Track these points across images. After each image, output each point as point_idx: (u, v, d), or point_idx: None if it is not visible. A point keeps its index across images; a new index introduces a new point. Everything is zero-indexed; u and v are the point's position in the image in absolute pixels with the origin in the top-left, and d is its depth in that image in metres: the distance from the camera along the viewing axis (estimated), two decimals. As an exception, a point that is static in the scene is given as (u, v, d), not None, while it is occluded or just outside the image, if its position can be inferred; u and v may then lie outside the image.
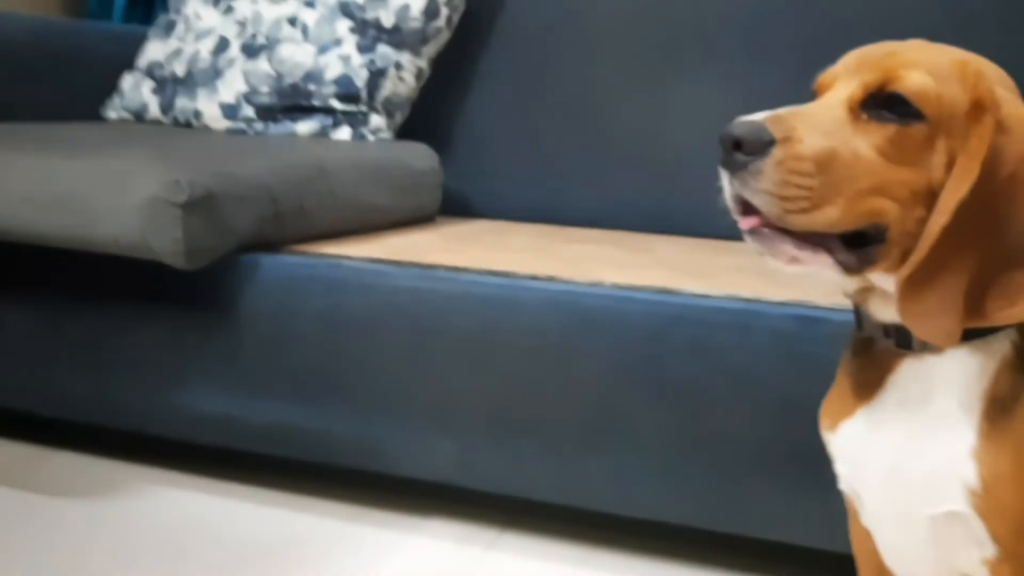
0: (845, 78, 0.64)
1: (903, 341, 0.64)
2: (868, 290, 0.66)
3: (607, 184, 1.71)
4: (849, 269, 0.62)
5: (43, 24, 1.79)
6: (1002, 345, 0.62)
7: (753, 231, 0.62)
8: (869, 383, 0.66)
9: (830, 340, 0.99)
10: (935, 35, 0.69)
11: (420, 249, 1.32)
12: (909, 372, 0.64)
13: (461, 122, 1.83)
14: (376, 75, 1.66)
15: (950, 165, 0.60)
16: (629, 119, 1.71)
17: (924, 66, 0.61)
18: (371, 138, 1.65)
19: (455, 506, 1.26)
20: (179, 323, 1.24)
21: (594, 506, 1.12)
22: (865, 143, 0.61)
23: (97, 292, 1.28)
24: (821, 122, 0.61)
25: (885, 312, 0.64)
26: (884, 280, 0.63)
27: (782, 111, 0.61)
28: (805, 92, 0.68)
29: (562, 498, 1.13)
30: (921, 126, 0.60)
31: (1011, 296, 0.59)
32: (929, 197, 0.60)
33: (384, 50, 1.67)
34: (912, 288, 0.60)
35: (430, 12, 1.69)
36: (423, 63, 1.73)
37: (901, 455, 0.64)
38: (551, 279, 1.14)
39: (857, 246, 0.62)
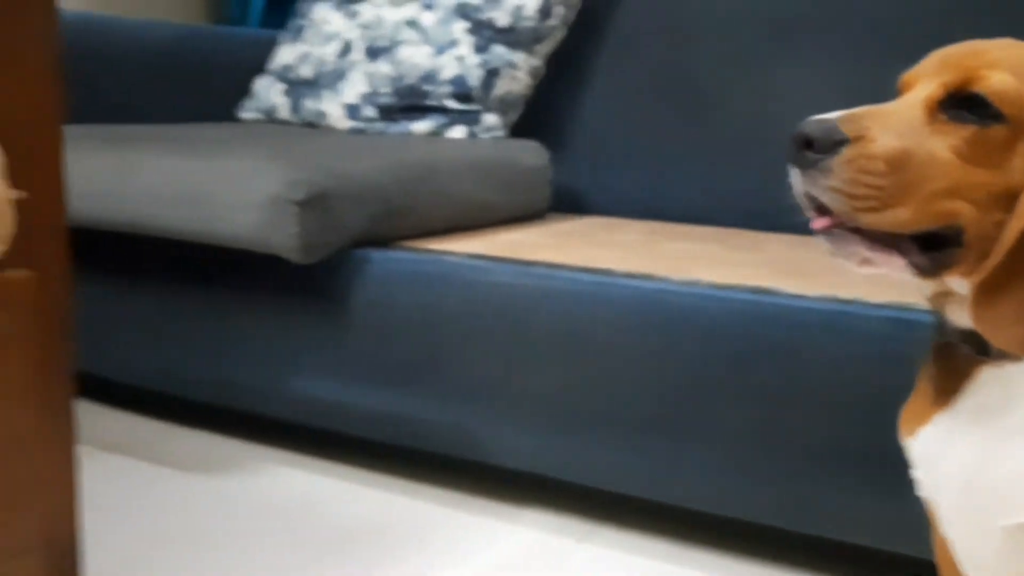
0: (927, 78, 0.63)
1: (981, 348, 0.63)
2: (946, 295, 0.65)
3: (720, 180, 1.70)
4: (923, 271, 0.61)
5: (185, 30, 1.92)
6: None
7: (825, 231, 0.62)
8: (947, 389, 0.65)
9: (925, 343, 0.97)
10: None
11: (523, 246, 1.35)
12: (987, 379, 0.63)
13: (575, 119, 1.85)
14: (490, 74, 1.70)
15: None
16: (742, 115, 1.69)
17: (1007, 66, 0.60)
18: (484, 136, 1.70)
19: (552, 497, 1.30)
20: (295, 313, 1.32)
21: (682, 503, 1.13)
22: (942, 144, 0.60)
23: (222, 283, 1.38)
24: (896, 122, 0.61)
25: (964, 318, 0.63)
26: (962, 285, 0.62)
27: (857, 110, 0.61)
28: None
29: (650, 494, 1.15)
30: (1001, 128, 0.59)
31: None
32: (1008, 200, 0.59)
33: (499, 50, 1.72)
34: (987, 294, 0.59)
35: (544, 11, 1.72)
36: (538, 61, 1.77)
37: (977, 464, 0.63)
38: (646, 277, 1.15)
39: (932, 248, 0.61)
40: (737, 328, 1.06)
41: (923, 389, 0.69)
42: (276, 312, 1.34)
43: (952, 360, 0.66)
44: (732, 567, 1.14)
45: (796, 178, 0.62)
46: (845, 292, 1.06)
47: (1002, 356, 0.62)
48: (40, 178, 0.87)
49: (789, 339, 1.05)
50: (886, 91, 0.67)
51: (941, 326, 0.67)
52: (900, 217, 0.59)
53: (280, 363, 1.34)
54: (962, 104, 0.60)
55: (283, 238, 1.19)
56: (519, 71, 1.74)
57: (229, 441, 1.47)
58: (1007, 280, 0.58)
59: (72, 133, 1.49)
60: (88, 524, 1.18)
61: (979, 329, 0.60)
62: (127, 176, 1.30)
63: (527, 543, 1.18)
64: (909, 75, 0.65)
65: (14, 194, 0.77)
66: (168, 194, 1.26)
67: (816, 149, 0.60)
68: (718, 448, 1.08)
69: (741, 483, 1.09)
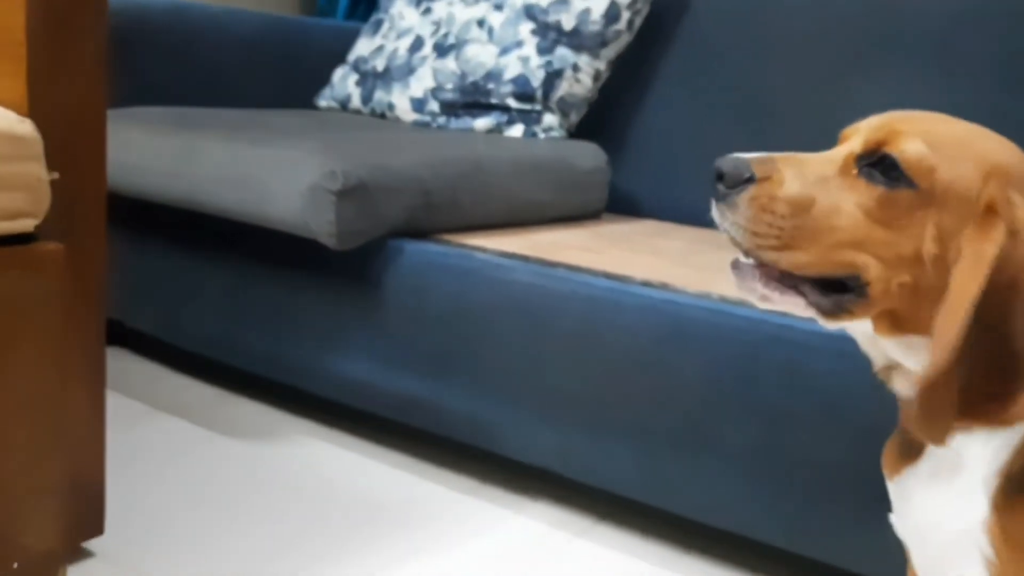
0: (859, 134, 0.65)
1: None
2: (891, 368, 0.67)
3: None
4: (824, 312, 0.64)
5: (273, 20, 2.03)
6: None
7: (734, 264, 0.66)
8: (913, 447, 0.67)
9: (922, 376, 0.96)
10: None
11: (560, 247, 1.39)
12: (938, 449, 0.64)
13: (638, 122, 1.87)
14: (552, 76, 1.74)
15: (941, 240, 0.60)
16: (803, 125, 1.68)
17: (932, 137, 0.61)
18: (542, 136, 1.74)
19: (556, 492, 1.34)
20: (336, 296, 1.39)
21: (678, 511, 1.15)
22: (850, 198, 0.62)
23: (274, 263, 1.46)
24: (809, 170, 0.63)
25: (909, 390, 0.65)
26: (904, 356, 0.64)
27: (776, 154, 0.64)
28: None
29: (649, 498, 1.17)
30: (908, 192, 0.60)
31: (1003, 399, 0.58)
32: (916, 265, 0.61)
33: (562, 52, 1.75)
34: (931, 391, 0.59)
35: (611, 16, 1.75)
36: (601, 65, 1.79)
37: (929, 523, 0.66)
38: (661, 286, 1.17)
39: (835, 291, 0.63)
40: (741, 345, 1.08)
41: (897, 437, 0.71)
42: (320, 294, 1.42)
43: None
44: (725, 578, 1.16)
45: (713, 209, 0.65)
46: (854, 316, 1.06)
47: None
48: (82, 160, 0.96)
49: (795, 359, 1.05)
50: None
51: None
52: (799, 259, 0.62)
53: (320, 342, 1.42)
54: (876, 164, 0.62)
55: (321, 224, 1.27)
56: (582, 74, 1.77)
57: (274, 411, 1.56)
58: (943, 379, 0.58)
59: (149, 115, 1.61)
60: (133, 477, 1.29)
61: (915, 431, 0.62)
62: (189, 157, 1.40)
63: (526, 533, 1.23)
64: (848, 130, 0.67)
65: (50, 175, 0.86)
66: (227, 177, 1.35)
67: (726, 183, 0.63)
68: (719, 461, 1.10)
69: (739, 497, 1.10)
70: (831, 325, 0.66)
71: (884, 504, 1.00)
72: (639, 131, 1.87)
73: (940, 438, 0.60)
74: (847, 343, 1.04)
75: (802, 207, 0.62)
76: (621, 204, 1.84)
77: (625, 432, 1.16)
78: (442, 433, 1.34)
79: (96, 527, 1.07)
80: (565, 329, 1.20)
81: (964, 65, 1.54)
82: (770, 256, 0.62)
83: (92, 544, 1.10)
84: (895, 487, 0.70)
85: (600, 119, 1.87)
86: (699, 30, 1.84)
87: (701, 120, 1.80)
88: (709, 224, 1.91)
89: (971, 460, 0.63)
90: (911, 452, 0.67)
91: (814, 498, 1.05)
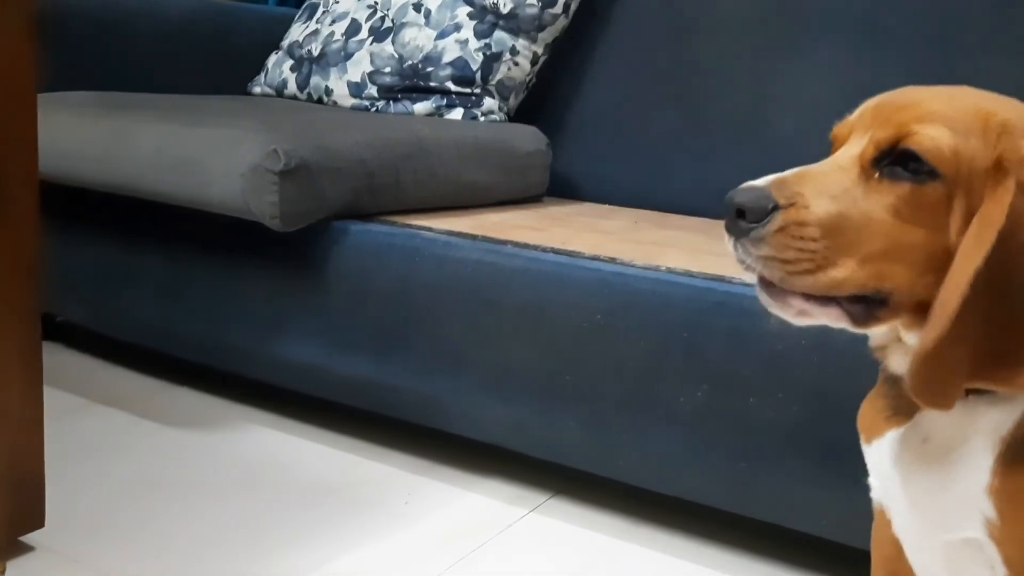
0: (859, 131, 0.61)
1: None
2: (886, 347, 0.65)
3: (713, 173, 1.72)
4: (857, 321, 0.60)
5: (203, 5, 1.98)
6: None
7: (762, 283, 0.62)
8: (900, 409, 0.65)
9: (865, 336, 0.99)
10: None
11: (506, 226, 1.39)
12: (937, 415, 0.63)
13: (576, 106, 1.88)
14: (490, 59, 1.74)
15: (967, 225, 0.57)
16: (738, 110, 1.71)
17: (941, 119, 0.58)
18: (482, 119, 1.73)
19: (512, 468, 1.34)
20: (279, 279, 1.37)
21: (630, 481, 1.16)
22: (878, 204, 0.59)
23: (212, 247, 1.43)
24: (829, 184, 0.59)
25: (906, 364, 0.62)
26: (903, 333, 0.62)
27: (788, 174, 0.60)
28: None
29: (601, 470, 1.18)
30: (937, 184, 0.57)
31: (1016, 364, 0.56)
32: (945, 260, 0.57)
33: (500, 35, 1.75)
34: (926, 362, 0.57)
35: (547, -1, 1.75)
36: (539, 48, 1.80)
37: (923, 489, 0.64)
38: (610, 260, 1.18)
39: (862, 301, 0.60)
40: (688, 313, 1.09)
41: (878, 398, 0.68)
42: (262, 278, 1.39)
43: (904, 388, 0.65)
44: (683, 548, 1.17)
45: (729, 245, 0.61)
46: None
47: None
48: (12, 138, 0.93)
49: (740, 324, 1.07)
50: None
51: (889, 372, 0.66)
52: (835, 278, 0.58)
53: (263, 327, 1.39)
54: (895, 161, 0.59)
55: (263, 206, 1.24)
56: (520, 57, 1.77)
57: (215, 399, 1.53)
58: (943, 349, 0.56)
59: (79, 99, 1.56)
60: (74, 471, 1.25)
61: (917, 399, 0.59)
62: (122, 141, 1.36)
63: (480, 509, 1.23)
64: (840, 127, 0.64)
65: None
66: (164, 160, 1.31)
67: (749, 219, 0.58)
68: (668, 428, 1.11)
69: (688, 463, 1.11)
70: (862, 331, 0.63)
71: (832, 463, 1.02)
72: (576, 114, 1.88)
73: (946, 404, 0.58)
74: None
75: (835, 226, 0.58)
76: (560, 187, 1.85)
77: (576, 405, 1.17)
78: (391, 414, 1.33)
79: (36, 520, 1.04)
80: (515, 305, 1.20)
81: (892, 41, 1.59)
82: (805, 281, 0.58)
83: (32, 537, 1.06)
84: (875, 450, 0.67)
85: (538, 103, 1.88)
86: (633, 12, 1.86)
87: (638, 102, 1.82)
88: (650, 205, 1.93)
89: (974, 426, 0.61)
90: (898, 415, 0.65)
91: (762, 460, 1.07)
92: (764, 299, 0.62)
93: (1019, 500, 0.59)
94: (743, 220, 0.59)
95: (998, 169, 0.56)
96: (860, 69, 1.61)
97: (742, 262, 0.60)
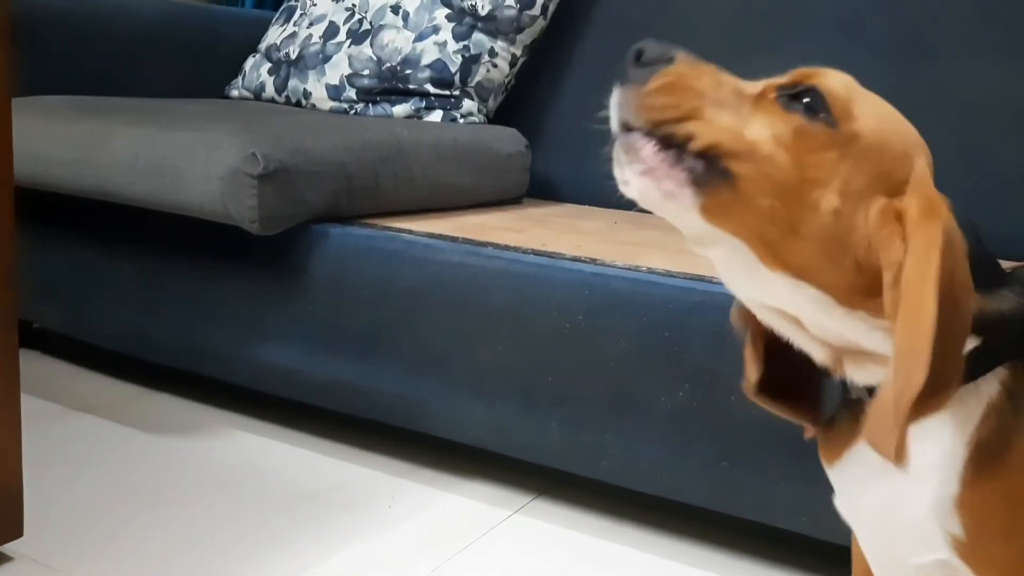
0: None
1: None
2: (840, 360, 0.62)
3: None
4: (697, 181, 0.56)
5: (179, 8, 1.97)
6: (989, 387, 0.58)
7: (616, 136, 0.60)
8: (852, 428, 0.63)
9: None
10: None
11: (486, 228, 1.39)
12: None
13: (555, 107, 1.89)
14: (469, 61, 1.74)
15: (846, 197, 0.56)
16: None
17: (872, 100, 0.59)
18: (462, 121, 1.73)
19: (494, 470, 1.34)
20: (257, 283, 1.36)
21: (612, 481, 1.17)
22: (761, 119, 0.58)
23: (191, 251, 1.42)
24: (727, 79, 0.60)
25: (863, 374, 0.60)
26: (865, 334, 0.59)
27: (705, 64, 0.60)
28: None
29: (583, 471, 1.18)
30: (825, 129, 0.57)
31: (939, 387, 0.53)
32: (797, 201, 0.56)
33: (479, 37, 1.75)
34: (909, 417, 0.52)
35: (525, 1, 1.76)
36: (518, 50, 1.80)
37: (884, 505, 0.61)
38: (590, 261, 1.18)
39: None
40: (669, 312, 1.10)
41: (836, 421, 0.67)
42: (240, 282, 1.38)
43: (855, 403, 0.63)
44: (667, 547, 1.18)
45: (614, 97, 0.59)
46: (777, 281, 1.09)
47: None
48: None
49: (719, 324, 1.07)
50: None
51: (845, 385, 0.63)
52: (699, 129, 0.57)
53: (242, 332, 1.39)
54: (797, 96, 0.58)
55: (242, 210, 1.24)
56: (499, 59, 1.77)
57: (194, 405, 1.52)
58: (923, 401, 0.52)
59: (53, 103, 1.54)
60: (51, 478, 1.24)
61: (880, 451, 0.54)
62: (98, 145, 1.35)
63: (463, 512, 1.22)
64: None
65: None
66: (135, 164, 1.30)
67: (643, 62, 0.58)
68: (649, 428, 1.12)
69: (669, 462, 1.12)
70: (694, 206, 0.58)
71: (813, 461, 1.03)
72: (555, 116, 1.89)
73: (902, 454, 0.53)
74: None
75: (712, 100, 0.57)
76: (540, 189, 1.85)
77: (558, 405, 1.17)
78: (372, 417, 1.33)
79: (14, 530, 1.03)
80: (496, 307, 1.20)
81: (870, 43, 1.60)
82: (668, 128, 0.57)
83: (10, 547, 1.05)
84: (837, 473, 0.65)
85: (517, 104, 1.88)
86: (611, 14, 1.86)
87: (617, 104, 1.82)
88: (627, 207, 1.94)
89: (931, 431, 0.58)
90: (850, 434, 0.63)
91: (743, 459, 1.07)
92: (618, 152, 0.59)
93: (988, 512, 0.57)
94: (637, 65, 0.58)
95: (929, 209, 0.54)
96: (841, 68, 1.62)
97: (617, 116, 0.59)
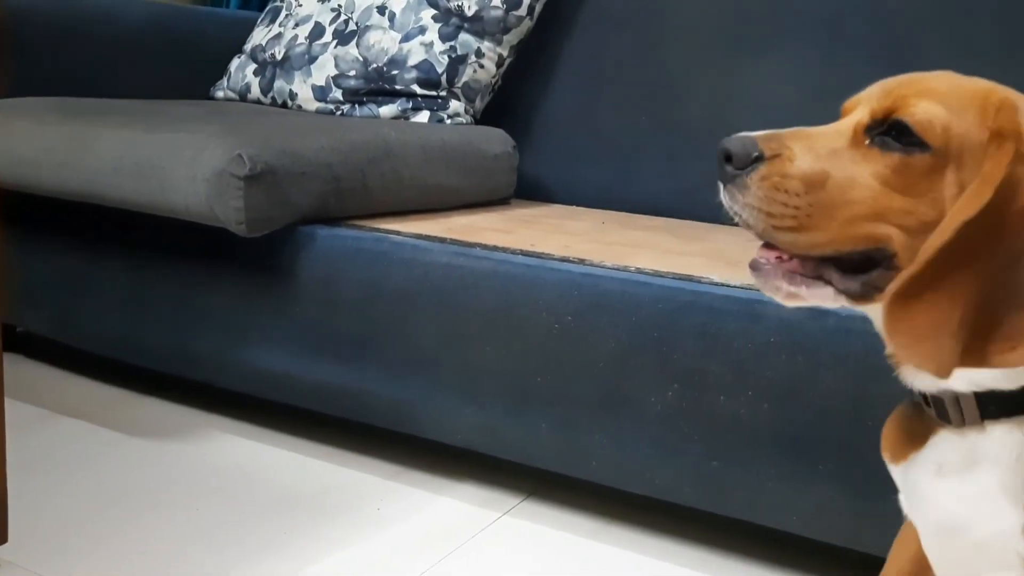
0: (863, 105, 0.63)
1: (941, 413, 0.61)
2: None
3: (679, 173, 1.73)
4: (854, 296, 0.61)
5: (163, 9, 1.96)
6: None
7: (753, 266, 0.63)
8: (916, 433, 0.64)
9: (834, 333, 1.00)
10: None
11: (474, 229, 1.39)
12: (944, 442, 0.61)
13: (542, 108, 1.88)
14: (456, 62, 1.74)
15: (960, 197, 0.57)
16: (703, 110, 1.72)
17: (937, 96, 0.59)
18: (449, 122, 1.73)
19: (484, 472, 1.33)
20: (245, 286, 1.36)
21: (602, 481, 1.16)
22: (866, 170, 0.60)
23: (178, 253, 1.41)
24: (819, 144, 0.61)
25: (921, 381, 0.62)
26: None
27: (784, 130, 0.62)
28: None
29: (574, 471, 1.18)
30: (925, 156, 0.58)
31: (1014, 339, 0.54)
32: (933, 224, 0.57)
33: (465, 38, 1.75)
34: (901, 303, 0.56)
35: (512, 1, 1.75)
36: (504, 51, 1.79)
37: (948, 521, 0.62)
38: (579, 261, 1.18)
39: (863, 271, 0.60)
40: (658, 312, 1.09)
41: (899, 418, 0.67)
42: (227, 285, 1.37)
43: (921, 409, 0.65)
44: (657, 547, 1.17)
45: (722, 193, 0.62)
46: (766, 281, 1.09)
47: (962, 423, 0.60)
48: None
49: (709, 323, 1.08)
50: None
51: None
52: (817, 239, 0.59)
53: (229, 335, 1.38)
54: (888, 131, 0.60)
55: (228, 211, 1.23)
56: (485, 59, 1.77)
57: (181, 409, 1.51)
58: (924, 292, 0.56)
59: (37, 105, 1.53)
60: (37, 484, 1.23)
61: (892, 343, 0.58)
62: (83, 147, 1.34)
63: (453, 514, 1.22)
64: (850, 102, 0.65)
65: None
66: (125, 166, 1.29)
67: (735, 164, 0.60)
68: (639, 428, 1.12)
69: (659, 462, 1.12)
70: (864, 309, 0.63)
71: (803, 460, 1.03)
72: (542, 117, 1.88)
73: (928, 361, 0.55)
74: (758, 305, 1.08)
75: (816, 182, 0.59)
76: (527, 189, 1.85)
77: (547, 406, 1.17)
78: (361, 420, 1.32)
79: (0, 536, 1.01)
80: (485, 308, 1.20)
81: (855, 44, 1.61)
82: (786, 238, 0.60)
83: (-4, 554, 1.04)
84: (900, 474, 0.66)
85: (504, 105, 1.88)
86: (598, 15, 1.86)
87: (603, 104, 1.82)
88: (617, 206, 1.94)
89: (990, 459, 0.59)
90: (914, 439, 0.64)
91: (733, 458, 1.07)
92: (754, 280, 0.63)
93: None
94: (729, 165, 0.61)
95: (997, 137, 0.57)
96: (824, 72, 1.62)
97: (730, 209, 0.62)
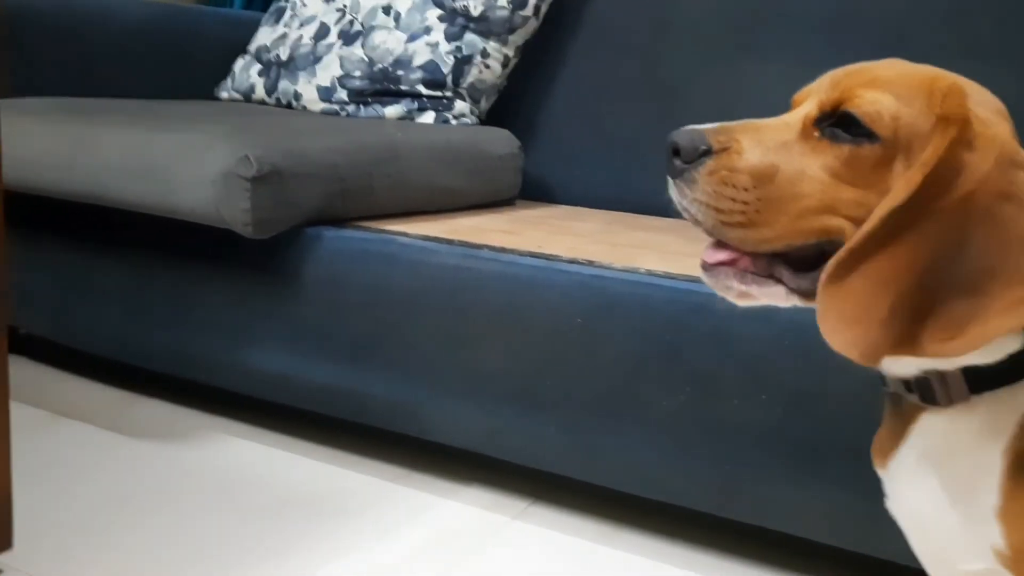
0: (813, 96, 0.62)
1: (927, 396, 0.60)
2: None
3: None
4: (807, 295, 0.60)
5: (166, 8, 1.95)
6: None
7: (704, 267, 0.62)
8: (896, 432, 0.64)
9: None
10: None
11: (480, 230, 1.38)
12: (928, 426, 0.61)
13: (547, 109, 1.88)
14: (461, 62, 1.73)
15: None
16: (708, 110, 1.71)
17: (885, 85, 0.58)
18: (454, 123, 1.72)
19: (492, 475, 1.32)
20: (249, 287, 1.35)
21: (611, 485, 1.16)
22: (815, 162, 0.59)
23: (179, 255, 1.40)
24: (768, 137, 0.60)
25: (902, 366, 0.61)
26: None
27: (733, 123, 0.61)
28: None
29: (581, 475, 1.17)
30: (875, 147, 0.57)
31: (951, 328, 0.54)
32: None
33: (471, 38, 1.74)
34: (830, 287, 0.56)
35: (517, 1, 1.74)
36: (510, 51, 1.79)
37: (927, 511, 0.61)
38: (588, 263, 1.17)
39: (815, 268, 0.59)
40: (669, 315, 1.09)
41: (885, 425, 0.67)
42: (231, 286, 1.36)
43: (899, 403, 0.64)
44: (665, 551, 1.16)
45: (671, 188, 0.61)
46: (777, 283, 1.08)
47: (948, 402, 0.59)
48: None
49: (720, 326, 1.07)
50: None
51: (885, 377, 0.64)
52: (766, 234, 0.58)
53: (233, 336, 1.37)
54: (837, 123, 0.59)
55: (235, 213, 1.22)
56: (491, 60, 1.76)
57: (184, 411, 1.50)
58: (849, 277, 0.55)
59: (40, 105, 1.52)
60: (41, 486, 1.22)
61: (822, 326, 0.57)
62: (86, 147, 1.33)
63: (461, 518, 1.21)
64: (800, 94, 0.64)
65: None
66: (130, 167, 1.28)
67: (683, 158, 0.59)
68: (649, 432, 1.11)
69: (670, 466, 1.11)
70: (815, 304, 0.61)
71: (815, 464, 1.02)
72: (548, 117, 1.88)
73: (857, 349, 0.55)
74: (770, 308, 1.07)
75: (765, 176, 0.58)
76: (532, 190, 1.84)
77: (555, 410, 1.16)
78: (367, 422, 1.31)
79: (4, 541, 1.00)
80: (492, 310, 1.19)
81: (857, 43, 1.60)
82: (735, 234, 0.58)
83: (0, 559, 1.03)
84: (886, 476, 0.66)
85: (509, 106, 1.87)
86: (604, 15, 1.85)
87: (608, 105, 1.82)
88: (623, 207, 1.93)
89: (969, 438, 0.58)
90: (895, 438, 0.63)
91: (745, 463, 1.06)
92: (706, 280, 0.62)
93: None
94: (678, 159, 0.60)
95: (941, 122, 0.56)
96: (823, 68, 1.61)
97: (679, 204, 0.61)
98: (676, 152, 0.60)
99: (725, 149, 0.59)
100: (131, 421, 1.45)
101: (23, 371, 1.63)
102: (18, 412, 1.44)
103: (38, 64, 1.72)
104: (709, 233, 0.60)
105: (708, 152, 0.59)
